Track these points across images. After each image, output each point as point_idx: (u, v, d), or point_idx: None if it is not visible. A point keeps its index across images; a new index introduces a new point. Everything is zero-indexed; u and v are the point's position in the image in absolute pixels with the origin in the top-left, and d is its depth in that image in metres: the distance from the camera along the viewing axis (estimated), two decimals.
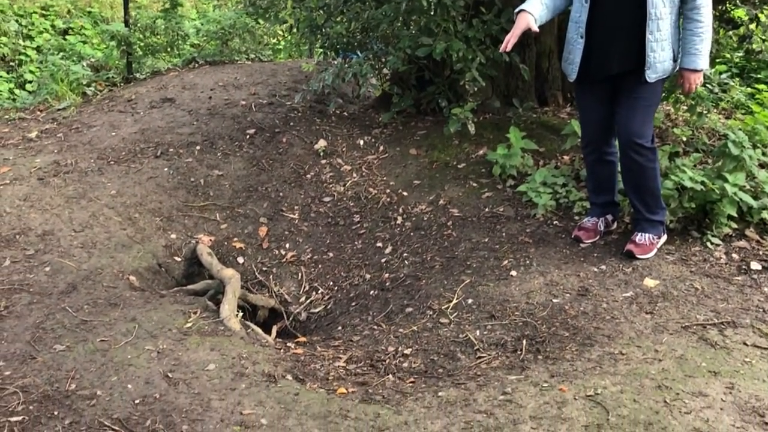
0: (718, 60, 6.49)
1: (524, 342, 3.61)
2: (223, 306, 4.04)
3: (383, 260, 4.80)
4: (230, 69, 7.97)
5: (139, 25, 8.35)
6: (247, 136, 6.14)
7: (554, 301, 3.90)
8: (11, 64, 9.38)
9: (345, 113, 6.64)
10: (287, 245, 5.17)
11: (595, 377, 3.16)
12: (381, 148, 5.98)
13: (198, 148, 5.98)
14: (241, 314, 4.16)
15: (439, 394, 3.20)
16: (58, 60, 7.76)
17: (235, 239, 5.18)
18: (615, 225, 4.53)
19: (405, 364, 3.64)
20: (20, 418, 3.02)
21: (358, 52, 6.33)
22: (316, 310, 4.69)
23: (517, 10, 4.00)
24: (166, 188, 5.51)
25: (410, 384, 3.40)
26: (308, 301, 4.78)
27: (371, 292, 4.57)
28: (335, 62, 6.49)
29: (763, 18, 6.05)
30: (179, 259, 4.92)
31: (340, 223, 5.27)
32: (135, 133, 6.24)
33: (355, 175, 5.70)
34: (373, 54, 6.16)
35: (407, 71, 6.03)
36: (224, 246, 5.11)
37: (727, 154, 4.45)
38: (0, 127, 6.61)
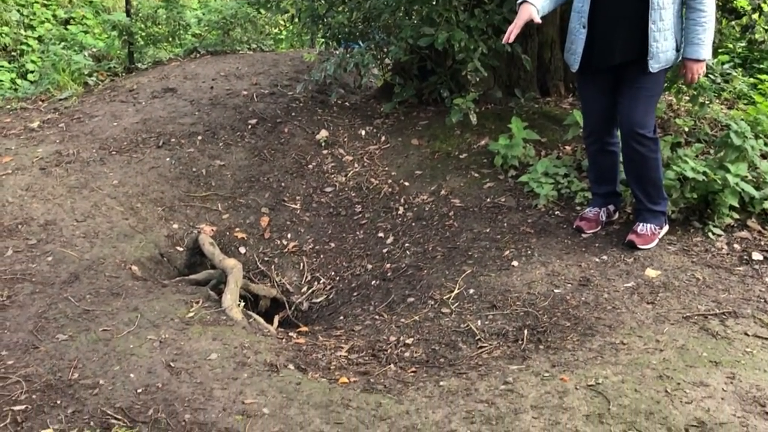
0: (720, 50, 6.46)
1: (525, 332, 3.62)
2: (225, 296, 4.05)
3: (385, 250, 4.81)
4: (232, 59, 7.96)
5: (140, 14, 8.34)
6: (249, 127, 6.14)
7: (555, 291, 3.90)
8: (13, 54, 9.37)
9: (347, 103, 6.64)
10: (289, 235, 5.18)
11: (597, 367, 3.16)
12: (383, 138, 5.98)
13: (200, 138, 5.97)
14: (243, 304, 4.16)
15: (441, 383, 3.20)
16: (60, 50, 7.75)
17: (237, 229, 5.19)
18: (616, 215, 4.53)
19: (406, 354, 3.65)
20: (23, 407, 3.04)
21: (360, 42, 6.31)
22: (318, 300, 4.70)
23: (519, 1, 3.99)
24: (167, 178, 5.51)
25: (412, 373, 3.41)
26: (310, 291, 4.78)
27: (373, 282, 4.57)
28: (337, 52, 6.48)
29: (765, 8, 6.03)
30: (181, 249, 4.93)
31: (341, 213, 5.27)
32: (137, 123, 6.23)
33: (356, 165, 5.70)
34: (375, 44, 6.14)
35: (409, 61, 6.02)
36: (226, 236, 5.12)
37: (729, 144, 4.44)
38: (2, 117, 6.61)
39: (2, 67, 8.94)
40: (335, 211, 5.30)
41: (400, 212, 5.11)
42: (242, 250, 5.06)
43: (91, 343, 3.49)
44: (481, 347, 3.58)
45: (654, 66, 3.94)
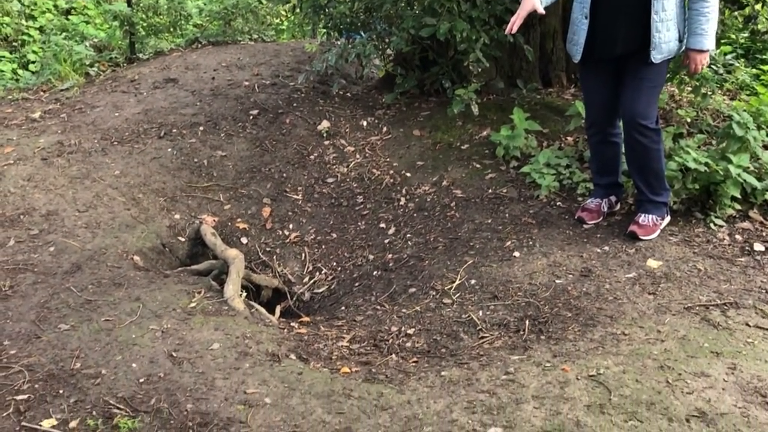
0: (723, 41, 6.45)
1: (527, 322, 3.62)
2: (227, 286, 4.05)
3: (386, 241, 4.81)
4: (233, 49, 7.95)
5: (141, 5, 8.33)
6: (251, 117, 6.14)
7: (557, 281, 3.90)
8: (14, 44, 9.36)
9: (348, 94, 6.63)
10: (291, 226, 5.18)
11: (598, 357, 3.17)
12: (384, 129, 5.97)
13: (201, 128, 5.97)
14: (244, 294, 4.17)
15: (442, 373, 3.21)
16: (61, 40, 7.74)
17: (239, 220, 5.19)
18: (618, 206, 4.53)
19: (408, 344, 3.65)
20: (26, 396, 3.05)
21: (362, 33, 6.30)
22: (320, 291, 4.70)
23: None
24: (169, 169, 5.51)
25: (413, 363, 3.41)
26: (312, 281, 4.79)
27: (374, 272, 4.58)
28: (338, 43, 6.46)
29: None
30: (183, 240, 4.94)
31: (343, 204, 5.27)
32: (138, 113, 6.23)
33: (358, 156, 5.70)
34: (377, 34, 6.13)
35: (411, 52, 6.01)
36: (228, 226, 5.12)
37: (732, 135, 4.44)
38: (3, 107, 6.61)
39: (3, 57, 8.93)
40: (337, 201, 5.30)
41: (401, 203, 5.11)
42: (244, 240, 5.06)
43: (93, 333, 3.50)
44: (482, 337, 3.59)
45: (656, 56, 3.93)
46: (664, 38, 3.91)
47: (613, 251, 4.10)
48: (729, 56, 5.74)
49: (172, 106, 6.35)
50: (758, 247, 4.01)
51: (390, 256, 4.65)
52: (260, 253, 4.99)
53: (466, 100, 5.45)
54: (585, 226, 4.39)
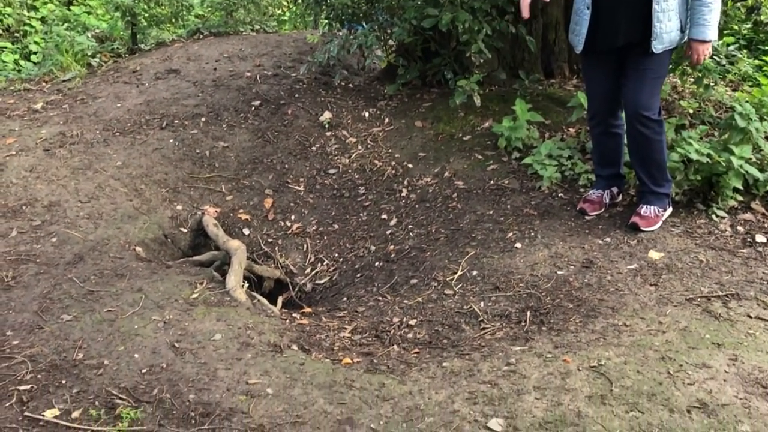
0: (725, 32, 6.43)
1: (528, 313, 3.63)
2: (229, 277, 4.06)
3: (388, 232, 4.81)
4: (235, 40, 7.94)
5: None
6: (253, 108, 6.13)
7: (559, 273, 3.90)
8: (16, 35, 9.35)
9: (350, 85, 6.62)
10: (293, 217, 5.18)
11: (599, 348, 3.17)
12: (386, 120, 5.97)
13: (203, 119, 5.97)
14: (246, 285, 4.18)
15: (444, 364, 3.21)
16: (63, 31, 7.73)
17: (241, 211, 5.19)
18: (620, 197, 4.52)
19: (410, 335, 3.66)
20: (28, 386, 3.06)
21: (364, 24, 6.29)
22: (322, 282, 4.71)
23: None
24: (171, 160, 5.51)
25: (415, 354, 3.42)
26: (313, 272, 4.79)
27: (376, 263, 4.58)
28: (340, 33, 6.45)
29: None
30: (185, 231, 4.94)
31: (345, 195, 5.27)
32: (140, 104, 6.23)
33: (360, 147, 5.69)
34: (379, 25, 6.12)
35: (413, 43, 6.00)
36: (230, 217, 5.12)
37: (734, 126, 4.43)
38: (5, 98, 6.60)
39: (6, 48, 8.92)
40: (339, 192, 5.30)
41: (403, 194, 5.11)
42: (246, 231, 5.07)
43: (95, 324, 3.50)
44: (484, 328, 3.59)
45: (657, 47, 3.92)
46: (665, 28, 3.90)
47: (615, 242, 4.10)
48: (731, 47, 5.73)
49: (173, 97, 6.34)
50: (760, 238, 4.01)
51: (392, 247, 4.65)
52: (262, 244, 4.99)
53: (468, 91, 5.44)
54: (587, 217, 4.39)
